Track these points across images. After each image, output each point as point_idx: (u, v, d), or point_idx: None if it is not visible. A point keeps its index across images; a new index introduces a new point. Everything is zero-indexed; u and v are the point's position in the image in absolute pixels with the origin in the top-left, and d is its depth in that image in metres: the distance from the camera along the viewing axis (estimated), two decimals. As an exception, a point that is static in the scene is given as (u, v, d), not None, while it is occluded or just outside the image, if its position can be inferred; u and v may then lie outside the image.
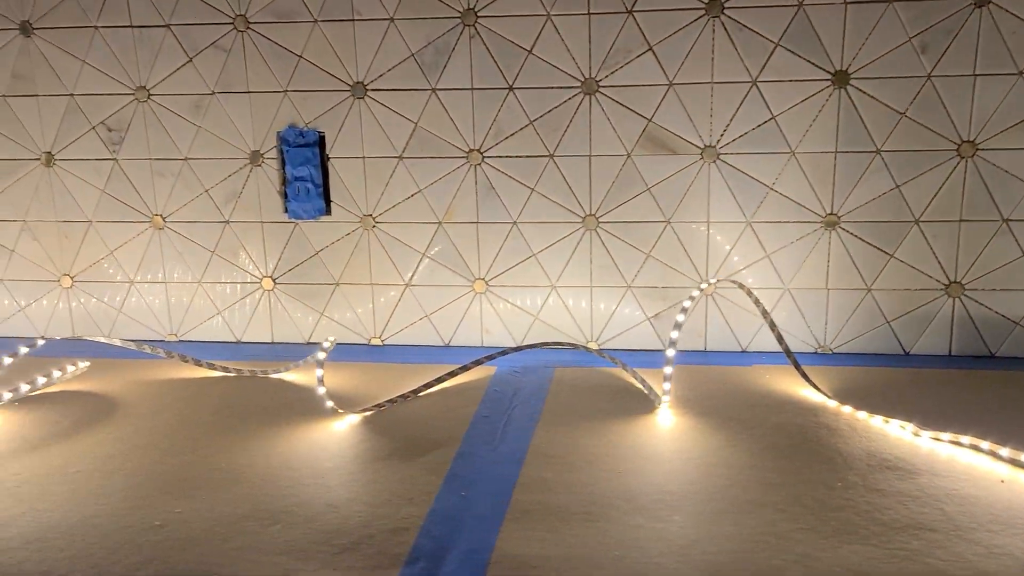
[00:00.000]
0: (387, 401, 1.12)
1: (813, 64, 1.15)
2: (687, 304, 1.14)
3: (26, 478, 0.94)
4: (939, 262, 1.19)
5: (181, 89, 1.29)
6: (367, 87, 1.25)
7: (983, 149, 1.15)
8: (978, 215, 1.17)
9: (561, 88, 1.21)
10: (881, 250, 1.20)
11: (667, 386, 1.09)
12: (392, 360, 1.28)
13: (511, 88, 1.22)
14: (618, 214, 1.24)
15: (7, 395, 1.13)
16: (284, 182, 1.30)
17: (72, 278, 1.38)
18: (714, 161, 1.19)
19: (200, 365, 1.24)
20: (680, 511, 0.85)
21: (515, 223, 1.27)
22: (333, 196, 1.29)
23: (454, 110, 1.24)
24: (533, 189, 1.26)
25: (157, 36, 1.26)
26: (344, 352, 1.31)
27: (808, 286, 1.22)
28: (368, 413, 1.10)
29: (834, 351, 1.24)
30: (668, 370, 1.09)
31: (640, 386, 1.14)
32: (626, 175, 1.23)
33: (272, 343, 1.37)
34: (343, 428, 1.06)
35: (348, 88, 1.26)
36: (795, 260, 1.22)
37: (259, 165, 1.30)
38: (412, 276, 1.31)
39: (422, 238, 1.29)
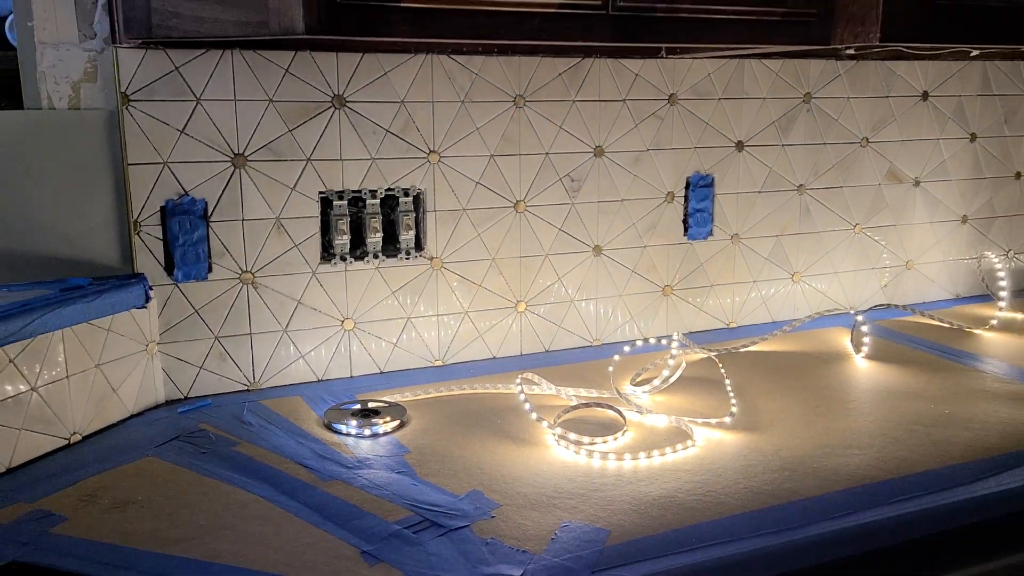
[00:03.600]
0: None
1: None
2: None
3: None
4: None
5: (626, 147, 1.64)
6: (745, 144, 1.74)
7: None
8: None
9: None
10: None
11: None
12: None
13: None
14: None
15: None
16: (686, 213, 1.72)
17: (526, 303, 1.61)
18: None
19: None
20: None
21: (820, 232, 1.86)
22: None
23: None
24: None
25: (615, 107, 1.60)
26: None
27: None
28: None
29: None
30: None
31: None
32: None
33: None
34: None
35: (733, 144, 1.73)
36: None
37: (671, 202, 1.70)
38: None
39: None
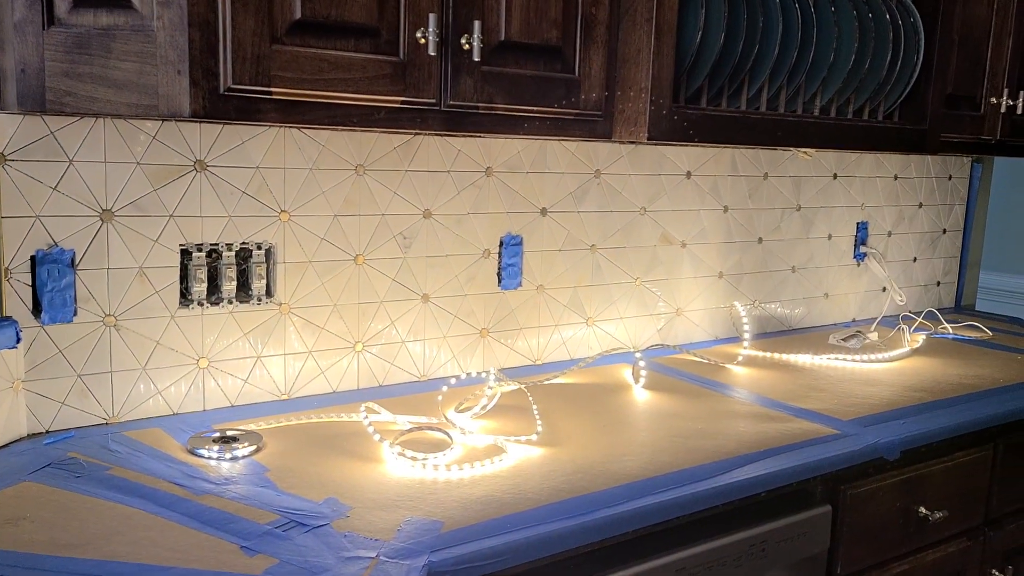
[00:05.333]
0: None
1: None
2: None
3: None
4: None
5: (450, 211, 1.90)
6: (548, 210, 2.06)
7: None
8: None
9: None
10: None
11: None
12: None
13: (611, 212, 2.18)
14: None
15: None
16: (500, 267, 2.00)
17: (363, 343, 1.82)
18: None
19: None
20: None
21: (608, 284, 2.21)
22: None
23: (586, 223, 2.14)
24: (617, 265, 2.22)
25: (441, 177, 1.87)
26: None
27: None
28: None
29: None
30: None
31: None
32: (655, 256, 2.29)
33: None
34: None
35: (538, 210, 2.04)
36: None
37: (487, 258, 1.98)
38: (558, 319, 2.13)
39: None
